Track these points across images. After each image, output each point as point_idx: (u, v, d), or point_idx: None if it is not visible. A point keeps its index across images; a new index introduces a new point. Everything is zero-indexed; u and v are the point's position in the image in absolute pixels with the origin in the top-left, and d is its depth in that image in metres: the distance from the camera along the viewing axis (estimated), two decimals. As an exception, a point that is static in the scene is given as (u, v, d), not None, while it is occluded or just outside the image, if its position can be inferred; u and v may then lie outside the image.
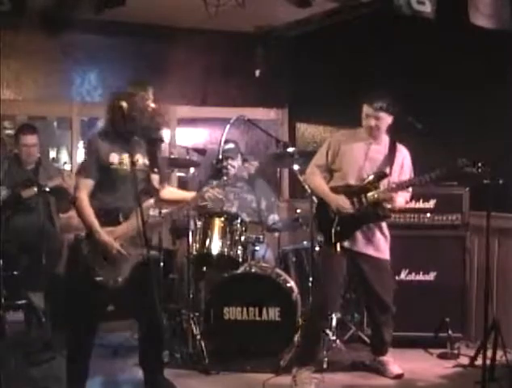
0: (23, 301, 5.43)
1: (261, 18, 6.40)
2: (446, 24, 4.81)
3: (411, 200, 5.10)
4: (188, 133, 7.47)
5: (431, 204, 5.21)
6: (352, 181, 4.52)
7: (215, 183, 4.38)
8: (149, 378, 4.20)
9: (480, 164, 4.20)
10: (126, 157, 3.97)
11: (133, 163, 3.91)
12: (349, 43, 6.16)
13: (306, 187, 4.84)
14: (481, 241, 5.10)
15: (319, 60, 6.61)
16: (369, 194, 4.44)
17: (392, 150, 4.57)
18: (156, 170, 4.09)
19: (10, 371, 4.63)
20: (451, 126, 5.28)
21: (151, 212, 4.07)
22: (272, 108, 7.23)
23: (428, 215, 5.20)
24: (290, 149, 5.27)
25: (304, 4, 5.07)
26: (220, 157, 5.21)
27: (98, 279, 3.91)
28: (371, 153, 4.55)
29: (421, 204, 5.20)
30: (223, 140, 5.18)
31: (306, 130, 7.13)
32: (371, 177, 4.48)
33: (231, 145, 5.51)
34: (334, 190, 4.53)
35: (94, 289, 3.94)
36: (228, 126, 5.08)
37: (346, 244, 4.51)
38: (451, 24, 4.91)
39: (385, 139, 4.60)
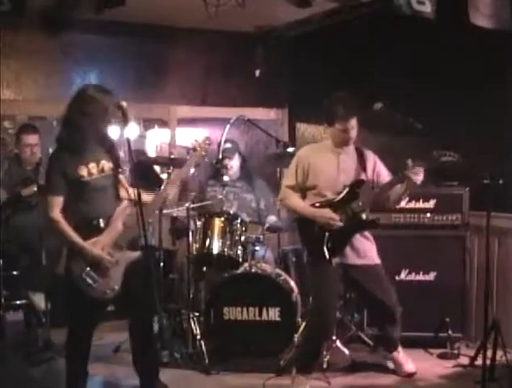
0: (23, 301, 5.43)
1: (261, 18, 6.40)
2: (446, 24, 4.81)
3: (411, 200, 5.13)
4: (188, 133, 7.46)
5: (431, 204, 5.21)
6: (329, 196, 4.48)
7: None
8: (144, 382, 4.20)
9: (453, 153, 4.24)
10: (93, 166, 3.94)
11: (101, 171, 3.95)
12: (349, 43, 6.15)
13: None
14: (481, 241, 5.10)
15: (319, 60, 6.60)
16: (353, 204, 4.42)
17: (361, 157, 4.56)
18: (121, 170, 4.07)
19: (10, 371, 4.64)
20: (451, 126, 5.28)
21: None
22: (272, 108, 7.22)
23: (428, 215, 5.20)
24: (290, 149, 5.27)
25: (304, 4, 5.08)
26: (220, 156, 5.22)
27: (94, 295, 3.89)
28: (343, 164, 4.53)
29: (421, 204, 5.20)
30: (223, 140, 5.19)
31: (306, 130, 7.12)
32: (348, 187, 4.45)
33: (228, 145, 5.50)
34: (317, 207, 4.47)
35: (93, 303, 3.93)
36: (228, 126, 5.09)
37: (336, 259, 4.48)
38: (451, 24, 4.91)
39: (351, 147, 4.58)
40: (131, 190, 4.10)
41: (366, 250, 4.55)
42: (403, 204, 5.08)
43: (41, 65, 6.20)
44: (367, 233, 4.58)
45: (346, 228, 4.45)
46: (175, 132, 6.88)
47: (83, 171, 3.90)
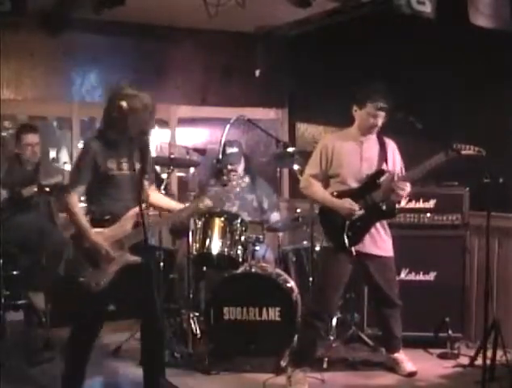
0: (23, 301, 5.43)
1: (261, 18, 6.40)
2: (447, 24, 4.81)
3: (411, 200, 5.13)
4: (188, 133, 7.47)
5: (431, 204, 5.21)
6: (352, 184, 4.49)
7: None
8: (150, 379, 4.18)
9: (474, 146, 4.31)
10: (124, 162, 3.95)
11: (131, 168, 3.94)
12: (349, 43, 6.16)
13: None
14: (481, 241, 5.10)
15: (319, 60, 6.61)
16: (374, 193, 4.42)
17: (383, 146, 4.57)
18: (147, 176, 4.08)
19: (10, 371, 4.64)
20: (451, 126, 5.28)
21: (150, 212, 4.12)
22: (272, 108, 7.23)
23: (428, 215, 5.20)
24: (290, 149, 5.27)
25: (304, 4, 5.07)
26: (221, 156, 5.21)
27: (81, 280, 3.90)
28: (365, 153, 4.53)
29: (421, 204, 5.20)
30: (223, 140, 5.19)
31: (306, 130, 7.13)
32: (369, 177, 4.47)
33: (234, 150, 5.48)
34: (337, 196, 4.47)
35: (79, 291, 3.93)
36: (228, 126, 5.08)
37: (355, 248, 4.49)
38: (451, 24, 4.92)
39: (373, 136, 4.58)
40: (154, 195, 4.19)
41: (384, 242, 4.57)
42: (403, 203, 5.08)
43: (41, 65, 6.20)
44: (385, 225, 4.59)
45: (366, 217, 4.44)
46: (175, 132, 6.88)
47: (113, 165, 3.93)
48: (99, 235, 3.90)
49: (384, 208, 4.48)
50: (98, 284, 3.91)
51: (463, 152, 4.32)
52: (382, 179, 4.45)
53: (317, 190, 4.56)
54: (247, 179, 4.36)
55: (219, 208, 5.22)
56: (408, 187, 4.42)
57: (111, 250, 3.90)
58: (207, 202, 4.17)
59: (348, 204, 4.41)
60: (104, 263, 3.92)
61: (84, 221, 3.90)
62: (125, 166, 3.96)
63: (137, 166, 4.01)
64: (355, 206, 4.40)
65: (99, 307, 4.06)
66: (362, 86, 4.54)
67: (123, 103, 3.77)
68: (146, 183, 4.10)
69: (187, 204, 4.27)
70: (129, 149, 3.96)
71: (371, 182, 4.46)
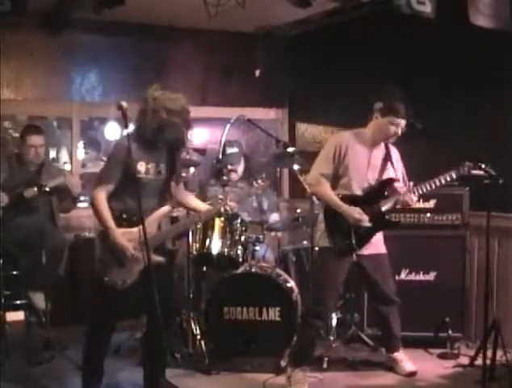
0: (23, 301, 5.43)
1: (261, 18, 6.40)
2: (447, 24, 4.81)
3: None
4: (188, 133, 7.45)
5: (431, 204, 5.21)
6: (357, 190, 4.47)
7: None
8: (150, 379, 4.18)
9: (484, 165, 4.31)
10: (152, 166, 3.95)
11: (158, 173, 3.97)
12: (349, 43, 6.16)
13: (307, 188, 4.73)
14: (481, 241, 5.10)
15: (319, 60, 6.61)
16: (381, 203, 4.43)
17: (388, 153, 4.56)
18: (174, 178, 4.08)
19: (10, 371, 4.64)
20: (451, 126, 5.28)
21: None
22: (272, 108, 7.23)
23: (428, 215, 5.20)
24: (290, 149, 5.26)
25: (304, 4, 5.07)
26: (221, 156, 5.21)
27: (105, 279, 3.92)
28: (373, 161, 4.52)
29: (421, 204, 5.18)
30: (223, 140, 5.19)
31: (306, 130, 7.13)
32: (376, 185, 4.48)
33: (234, 150, 5.48)
34: (342, 199, 4.44)
35: (103, 289, 3.95)
36: (228, 126, 5.08)
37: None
38: (451, 24, 4.91)
39: (382, 143, 4.58)
40: (181, 194, 4.22)
41: (377, 241, 4.58)
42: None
43: (41, 65, 6.20)
44: None
45: (373, 226, 4.45)
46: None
47: (142, 167, 3.92)
48: (125, 235, 3.89)
49: (389, 220, 4.51)
50: (125, 283, 3.92)
51: (474, 172, 4.33)
52: (388, 188, 4.47)
53: (327, 189, 4.49)
54: (268, 182, 4.38)
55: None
56: (414, 201, 4.45)
57: (134, 251, 3.88)
58: (232, 204, 4.19)
59: (357, 213, 4.40)
60: (129, 263, 3.91)
61: (110, 220, 3.87)
62: (153, 170, 3.97)
63: (165, 170, 4.01)
64: (365, 217, 4.40)
65: (121, 305, 4.06)
66: (384, 93, 4.51)
67: (123, 104, 3.74)
68: (173, 183, 4.11)
69: (213, 206, 4.27)
70: (160, 153, 3.98)
71: (379, 191, 4.46)
